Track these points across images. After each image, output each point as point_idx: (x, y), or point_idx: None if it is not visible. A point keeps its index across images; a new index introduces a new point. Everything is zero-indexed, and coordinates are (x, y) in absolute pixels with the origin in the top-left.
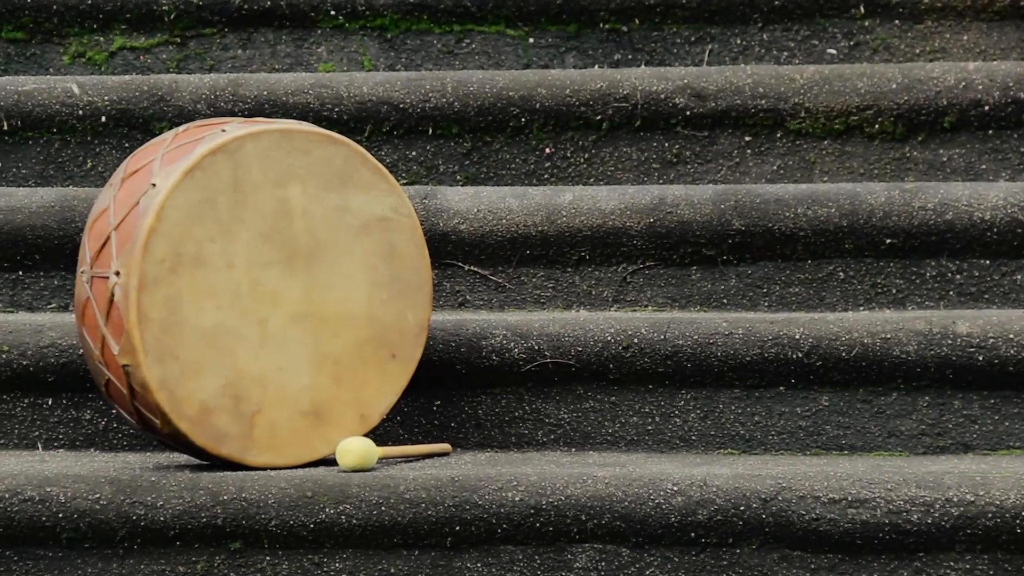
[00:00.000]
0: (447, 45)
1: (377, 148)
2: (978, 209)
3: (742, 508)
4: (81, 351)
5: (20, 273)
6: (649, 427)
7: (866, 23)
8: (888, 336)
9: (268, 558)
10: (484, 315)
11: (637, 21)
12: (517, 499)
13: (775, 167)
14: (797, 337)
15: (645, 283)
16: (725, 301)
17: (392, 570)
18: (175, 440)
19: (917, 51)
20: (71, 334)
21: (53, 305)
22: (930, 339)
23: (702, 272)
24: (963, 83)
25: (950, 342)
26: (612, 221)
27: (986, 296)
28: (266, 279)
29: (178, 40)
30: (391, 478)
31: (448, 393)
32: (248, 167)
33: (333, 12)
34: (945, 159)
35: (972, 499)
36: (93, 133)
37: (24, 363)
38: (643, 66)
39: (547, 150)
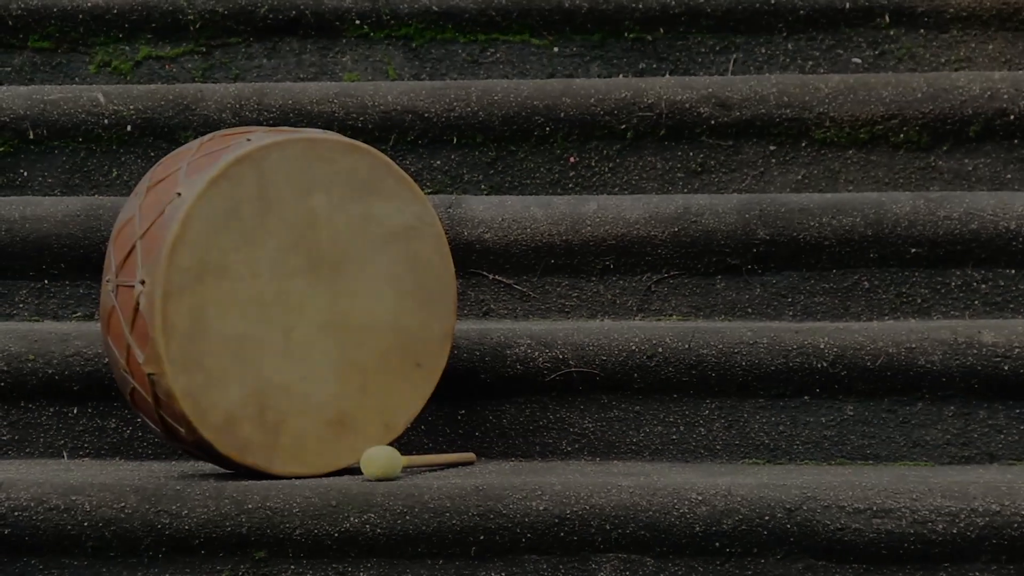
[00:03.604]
0: (472, 54)
1: (402, 157)
2: (1003, 219)
3: (767, 518)
4: (106, 360)
5: (46, 282)
6: (674, 436)
7: (891, 32)
8: (913, 346)
9: (293, 567)
10: (508, 324)
11: (662, 30)
12: (541, 508)
13: (800, 176)
14: (822, 346)
15: (670, 292)
16: (750, 310)
17: None
18: (200, 449)
19: (942, 60)
20: (96, 343)
21: (79, 314)
22: (955, 349)
23: (727, 281)
24: (988, 92)
25: (975, 352)
26: (637, 230)
27: (1011, 306)
28: (291, 288)
29: (203, 49)
30: (415, 487)
31: (472, 402)
32: (273, 176)
33: (358, 22)
34: (970, 168)
35: (998, 509)
36: (118, 142)
37: (50, 372)
38: (668, 75)
39: (571, 159)
